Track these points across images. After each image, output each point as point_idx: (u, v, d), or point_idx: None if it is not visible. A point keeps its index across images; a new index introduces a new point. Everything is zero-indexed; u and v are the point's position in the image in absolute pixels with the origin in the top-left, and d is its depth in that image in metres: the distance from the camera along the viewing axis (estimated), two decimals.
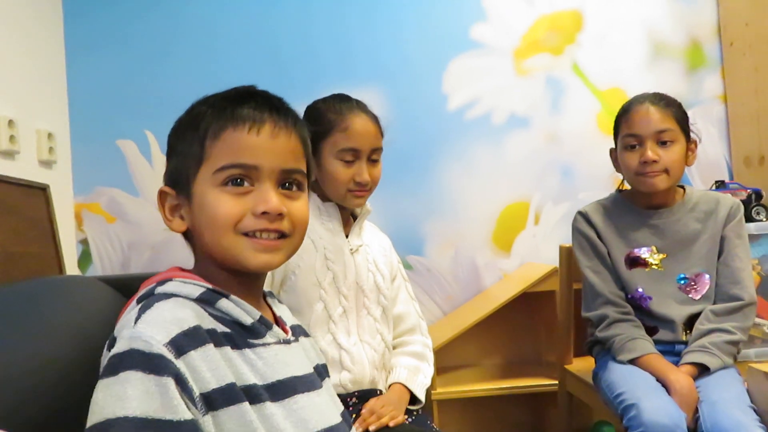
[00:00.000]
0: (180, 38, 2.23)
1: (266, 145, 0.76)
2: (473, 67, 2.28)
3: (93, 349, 0.89)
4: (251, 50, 2.24)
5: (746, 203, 1.89)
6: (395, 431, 1.18)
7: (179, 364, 0.64)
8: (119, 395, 0.61)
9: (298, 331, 0.89)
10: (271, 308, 0.86)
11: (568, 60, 2.29)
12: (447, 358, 2.15)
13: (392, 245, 1.48)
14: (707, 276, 1.51)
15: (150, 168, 2.22)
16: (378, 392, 1.30)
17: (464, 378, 2.08)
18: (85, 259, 2.21)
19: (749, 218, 1.87)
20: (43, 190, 1.92)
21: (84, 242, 2.21)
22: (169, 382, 0.62)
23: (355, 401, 1.25)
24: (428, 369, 1.41)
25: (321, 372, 0.89)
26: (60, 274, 1.89)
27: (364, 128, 1.29)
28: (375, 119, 1.33)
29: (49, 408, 0.81)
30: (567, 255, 1.76)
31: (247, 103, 0.78)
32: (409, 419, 1.28)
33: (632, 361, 1.42)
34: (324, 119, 1.30)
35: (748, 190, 1.92)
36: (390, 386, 1.33)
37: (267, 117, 0.77)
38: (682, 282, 1.52)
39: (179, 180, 0.79)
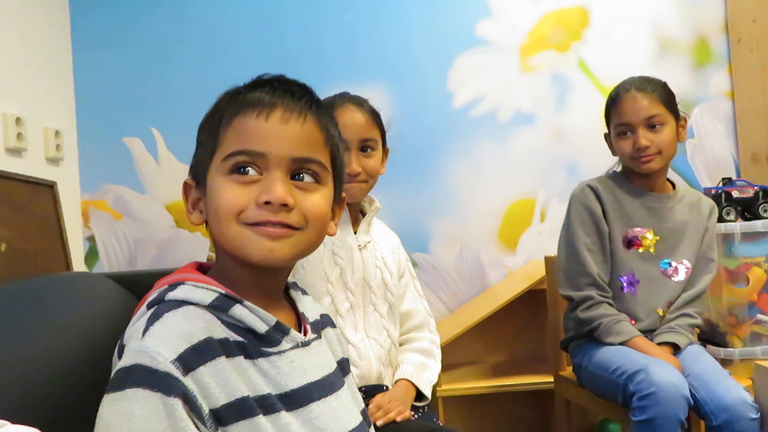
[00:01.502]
0: (186, 36, 2.24)
1: (275, 131, 0.72)
2: (479, 64, 2.27)
3: (100, 345, 0.90)
4: (257, 48, 2.24)
5: (753, 200, 1.88)
6: (402, 427, 1.18)
7: (187, 381, 0.62)
8: (126, 414, 0.60)
9: (323, 324, 0.86)
10: (294, 304, 0.83)
11: (573, 57, 2.29)
12: (452, 356, 2.14)
13: (401, 243, 1.49)
14: (689, 264, 1.60)
15: (156, 165, 2.23)
16: (384, 388, 1.30)
17: (469, 375, 2.08)
18: (91, 255, 2.22)
19: (756, 215, 1.86)
20: (50, 187, 1.93)
21: (91, 239, 2.22)
22: (177, 403, 0.61)
23: (362, 396, 1.26)
24: (435, 366, 1.40)
25: (344, 367, 0.86)
26: (67, 271, 1.90)
27: (349, 119, 1.29)
28: (366, 110, 1.33)
29: (57, 403, 0.82)
30: (553, 266, 1.74)
31: (261, 87, 0.75)
32: (416, 416, 1.28)
33: (621, 344, 1.49)
34: None
35: (756, 188, 1.91)
36: (396, 382, 1.33)
37: (279, 101, 0.73)
38: (666, 266, 1.59)
39: (198, 171, 0.76)
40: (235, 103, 0.74)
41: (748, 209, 1.89)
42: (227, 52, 2.23)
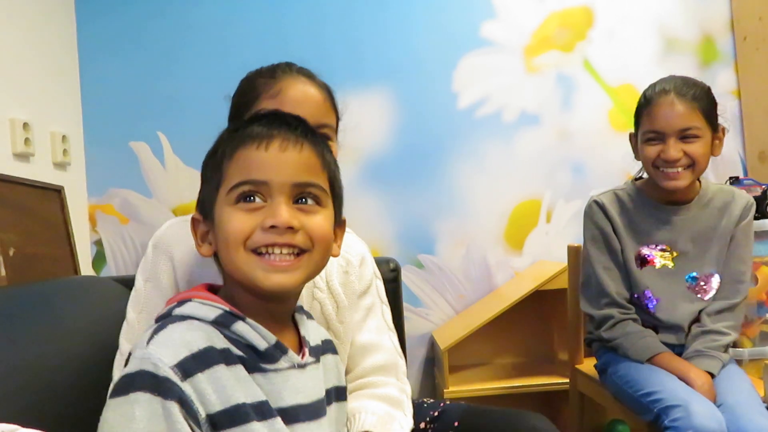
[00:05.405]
0: (192, 40, 2.25)
1: (275, 159, 0.76)
2: (483, 65, 2.27)
3: (107, 347, 0.90)
4: (262, 51, 2.24)
5: (760, 199, 1.87)
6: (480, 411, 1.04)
7: (185, 386, 0.66)
8: (128, 416, 0.63)
9: (324, 350, 0.87)
10: (297, 327, 0.85)
11: (578, 57, 2.28)
12: (459, 357, 2.14)
13: (367, 255, 1.11)
14: (717, 276, 1.48)
15: (163, 169, 2.24)
16: None
17: (476, 377, 2.08)
18: (99, 259, 2.23)
19: (764, 214, 1.85)
20: (57, 191, 1.94)
21: (98, 243, 2.23)
22: (174, 407, 0.64)
23: None
24: (405, 420, 0.99)
25: (332, 395, 0.87)
26: (75, 275, 1.91)
27: (303, 94, 1.00)
28: (322, 87, 1.06)
29: (67, 407, 0.82)
30: (575, 255, 1.71)
31: (259, 121, 0.79)
32: None
33: (648, 360, 1.40)
34: (250, 86, 1.05)
35: (763, 186, 1.90)
36: None
37: (276, 132, 0.77)
38: (692, 281, 1.48)
39: (205, 206, 0.80)
40: (235, 138, 0.79)
41: (756, 208, 1.88)
42: (233, 56, 2.23)
